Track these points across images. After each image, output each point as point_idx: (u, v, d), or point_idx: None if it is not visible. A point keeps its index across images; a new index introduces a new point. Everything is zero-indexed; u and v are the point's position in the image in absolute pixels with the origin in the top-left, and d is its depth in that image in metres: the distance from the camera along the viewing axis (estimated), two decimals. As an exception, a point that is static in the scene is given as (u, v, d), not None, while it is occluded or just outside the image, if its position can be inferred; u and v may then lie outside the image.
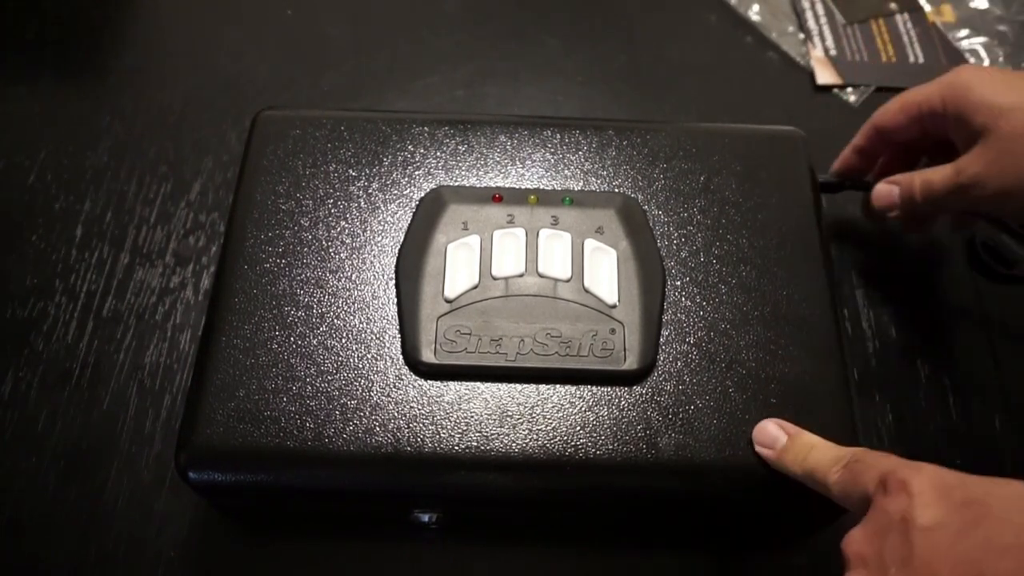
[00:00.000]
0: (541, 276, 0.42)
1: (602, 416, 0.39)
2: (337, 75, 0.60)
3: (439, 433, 0.38)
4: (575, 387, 0.39)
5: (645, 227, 0.44)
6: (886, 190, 0.47)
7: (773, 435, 0.38)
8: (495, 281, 0.41)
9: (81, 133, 0.56)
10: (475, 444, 0.38)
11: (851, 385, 0.41)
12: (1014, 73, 0.44)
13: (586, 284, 0.41)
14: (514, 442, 0.38)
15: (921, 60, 0.62)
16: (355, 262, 0.42)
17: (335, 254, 0.43)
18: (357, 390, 0.39)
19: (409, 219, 0.44)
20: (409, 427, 0.38)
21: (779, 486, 0.38)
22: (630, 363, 0.40)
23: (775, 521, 0.43)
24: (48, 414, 0.46)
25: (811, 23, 0.64)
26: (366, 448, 0.38)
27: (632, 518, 0.43)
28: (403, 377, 0.39)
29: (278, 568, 0.43)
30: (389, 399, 0.39)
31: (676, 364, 0.40)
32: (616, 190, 0.45)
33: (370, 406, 0.39)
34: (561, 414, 0.39)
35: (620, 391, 0.39)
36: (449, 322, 0.40)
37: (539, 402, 0.39)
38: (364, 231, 0.43)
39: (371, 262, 0.42)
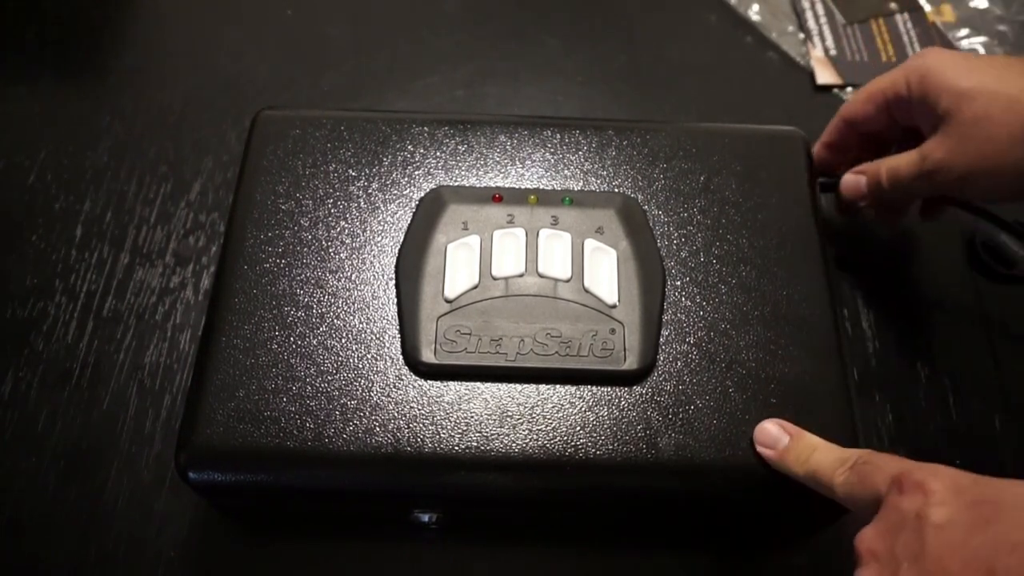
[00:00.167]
0: (541, 276, 0.42)
1: (602, 416, 0.39)
2: (337, 75, 0.60)
3: (439, 433, 0.38)
4: (575, 387, 0.39)
5: (645, 227, 0.44)
6: (853, 180, 0.47)
7: (775, 435, 0.38)
8: (495, 281, 0.41)
9: (81, 133, 0.56)
10: (475, 444, 0.38)
11: (851, 385, 0.41)
12: (978, 56, 0.44)
13: (586, 284, 0.41)
14: (514, 442, 0.38)
15: (921, 60, 0.62)
16: (355, 262, 0.42)
17: (335, 254, 0.43)
18: (357, 390, 0.39)
19: (409, 219, 0.44)
20: (409, 427, 0.38)
21: (779, 486, 0.38)
22: (630, 363, 0.40)
23: (775, 521, 0.43)
24: (48, 414, 0.46)
25: (811, 23, 0.64)
26: (366, 448, 0.38)
27: (632, 518, 0.43)
28: (403, 377, 0.39)
29: (278, 568, 0.43)
30: (389, 399, 0.39)
31: (676, 364, 0.40)
32: (616, 190, 0.45)
33: (370, 406, 0.39)
34: (561, 414, 0.39)
35: (620, 391, 0.39)
36: (449, 322, 0.40)
37: (539, 402, 0.39)
38: (364, 231, 0.43)
39: (371, 262, 0.42)
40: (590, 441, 0.38)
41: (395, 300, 0.41)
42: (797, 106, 0.60)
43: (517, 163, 0.46)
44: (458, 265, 0.42)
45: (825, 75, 0.61)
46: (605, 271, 0.42)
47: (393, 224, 0.44)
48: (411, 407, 0.39)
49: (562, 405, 0.39)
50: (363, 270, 0.42)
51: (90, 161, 0.55)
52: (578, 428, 0.38)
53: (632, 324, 0.40)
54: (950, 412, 0.48)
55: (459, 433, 0.38)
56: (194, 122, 0.57)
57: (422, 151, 0.46)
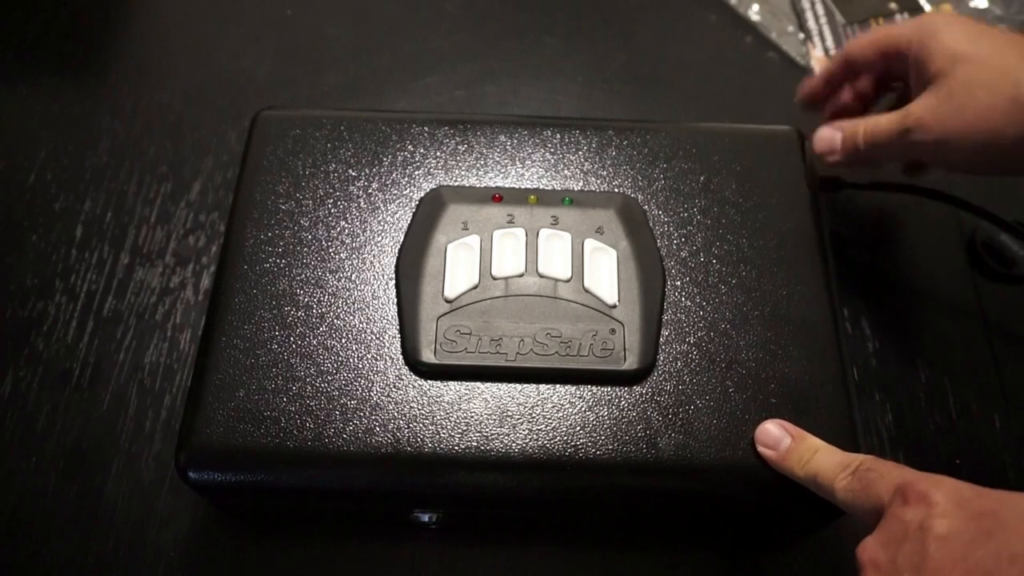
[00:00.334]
0: (541, 276, 0.42)
1: (602, 416, 0.39)
2: (337, 75, 0.60)
3: (439, 433, 0.38)
4: (575, 387, 0.39)
5: (645, 227, 0.44)
6: (828, 135, 0.47)
7: (776, 436, 0.38)
8: (495, 281, 0.41)
9: (81, 133, 0.56)
10: (475, 444, 0.38)
11: (851, 385, 0.41)
12: (985, 26, 0.44)
13: (586, 284, 0.41)
14: (514, 442, 0.38)
15: (921, 60, 0.62)
16: (355, 262, 0.42)
17: (335, 254, 0.43)
18: (357, 390, 0.39)
19: (409, 219, 0.44)
20: (409, 427, 0.38)
21: (779, 487, 0.38)
22: (630, 363, 0.40)
23: (775, 521, 0.43)
24: (48, 414, 0.46)
25: (811, 23, 0.64)
26: (366, 448, 0.38)
27: (632, 518, 0.43)
28: (403, 377, 0.39)
29: (278, 568, 0.43)
30: (389, 399, 0.39)
31: (676, 364, 0.40)
32: (616, 190, 0.45)
33: (370, 406, 0.39)
34: (561, 414, 0.39)
35: (620, 391, 0.39)
36: (449, 322, 0.40)
37: (539, 402, 0.39)
38: (364, 231, 0.43)
39: (371, 262, 0.43)
40: (590, 441, 0.38)
41: (395, 300, 0.41)
42: (797, 106, 0.60)
43: (517, 163, 0.46)
44: (458, 265, 0.42)
45: (825, 75, 0.61)
46: (605, 271, 0.42)
47: (393, 224, 0.44)
48: (411, 407, 0.39)
49: (562, 405, 0.39)
50: (363, 270, 0.42)
51: (90, 161, 0.55)
52: (578, 428, 0.38)
53: (632, 324, 0.40)
54: (950, 412, 0.48)
55: (459, 433, 0.38)
56: (194, 122, 0.57)
57: (422, 151, 0.46)
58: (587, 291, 0.41)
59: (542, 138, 0.47)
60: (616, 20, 0.64)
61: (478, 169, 0.46)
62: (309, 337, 0.40)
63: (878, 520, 0.32)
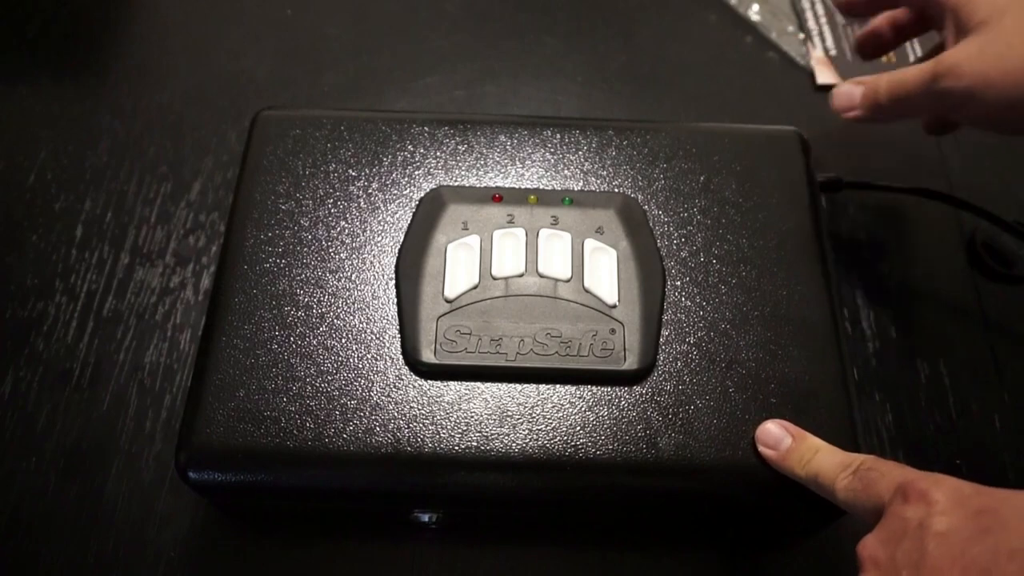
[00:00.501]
0: (541, 276, 0.42)
1: (602, 416, 0.39)
2: (337, 75, 0.60)
3: (439, 433, 0.38)
4: (575, 387, 0.39)
5: (645, 227, 0.44)
6: (847, 91, 0.47)
7: (777, 436, 0.38)
8: (495, 281, 0.41)
9: (81, 133, 0.56)
10: (475, 444, 0.38)
11: (851, 385, 0.41)
12: None
13: (586, 284, 0.41)
14: (514, 442, 0.38)
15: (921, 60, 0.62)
16: (355, 262, 0.42)
17: (335, 254, 0.43)
18: (357, 390, 0.39)
19: (409, 219, 0.44)
20: (409, 427, 0.38)
21: (779, 486, 0.38)
22: (630, 363, 0.40)
23: (775, 521, 0.43)
24: (48, 414, 0.46)
25: (811, 23, 0.64)
26: (366, 448, 0.38)
27: (632, 518, 0.43)
28: (403, 377, 0.39)
29: (278, 568, 0.43)
30: (389, 399, 0.39)
31: (676, 364, 0.40)
32: (616, 190, 0.45)
33: (370, 406, 0.39)
34: (561, 414, 0.39)
35: (620, 391, 0.39)
36: (449, 322, 0.40)
37: (539, 402, 0.39)
38: (364, 231, 0.43)
39: (371, 262, 0.43)
40: (590, 441, 0.38)
41: (395, 300, 0.41)
42: (797, 106, 0.60)
43: (517, 163, 0.46)
44: (458, 265, 0.42)
45: (825, 75, 0.61)
46: (605, 271, 0.42)
47: (393, 224, 0.44)
48: (411, 407, 0.39)
49: (562, 405, 0.39)
50: (363, 270, 0.42)
51: (90, 161, 0.55)
52: (578, 428, 0.38)
53: (632, 324, 0.40)
54: (950, 412, 0.48)
55: (459, 433, 0.38)
56: (194, 122, 0.57)
57: (422, 151, 0.46)
58: (587, 291, 0.41)
59: (542, 138, 0.47)
60: (616, 20, 0.64)
61: (478, 169, 0.46)
62: (309, 337, 0.40)
63: (878, 519, 0.32)
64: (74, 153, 0.55)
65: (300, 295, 0.41)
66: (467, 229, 0.43)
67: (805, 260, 0.43)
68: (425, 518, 0.41)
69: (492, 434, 0.38)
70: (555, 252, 0.42)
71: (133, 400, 0.47)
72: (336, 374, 0.39)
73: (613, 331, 0.40)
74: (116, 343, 0.48)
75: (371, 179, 0.45)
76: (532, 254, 0.42)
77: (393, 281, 0.42)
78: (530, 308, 0.41)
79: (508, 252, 0.42)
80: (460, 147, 0.46)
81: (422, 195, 0.44)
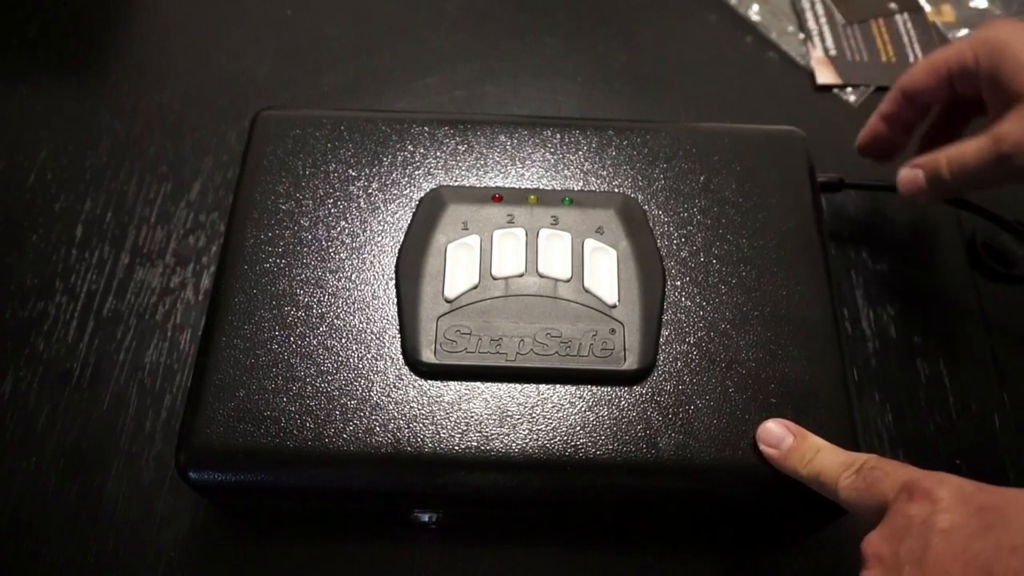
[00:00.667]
0: (541, 276, 0.42)
1: (602, 416, 0.39)
2: (337, 75, 0.60)
3: (439, 433, 0.38)
4: (575, 387, 0.39)
5: (645, 227, 0.44)
6: (910, 176, 0.45)
7: (779, 435, 0.38)
8: (495, 281, 0.41)
9: (81, 133, 0.56)
10: (475, 444, 0.38)
11: (851, 385, 0.41)
12: None
13: (586, 284, 0.41)
14: (514, 442, 0.38)
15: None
16: (355, 262, 0.42)
17: (335, 254, 0.43)
18: (357, 390, 0.39)
19: (409, 219, 0.44)
20: (409, 427, 0.38)
21: (779, 486, 0.38)
22: (630, 363, 0.40)
23: (775, 521, 0.43)
24: (48, 414, 0.46)
25: (811, 23, 0.64)
26: (366, 448, 0.38)
27: (632, 518, 0.43)
28: (403, 377, 0.39)
29: (278, 568, 0.43)
30: (389, 399, 0.39)
31: (676, 364, 0.40)
32: (616, 190, 0.45)
33: (370, 406, 0.39)
34: (561, 414, 0.39)
35: (620, 391, 0.39)
36: (449, 322, 0.40)
37: (539, 402, 0.39)
38: (364, 231, 0.43)
39: (371, 262, 0.43)
40: (590, 441, 0.38)
41: (395, 300, 0.41)
42: (797, 106, 0.60)
43: (517, 163, 0.46)
44: (458, 265, 0.42)
45: (825, 75, 0.61)
46: (605, 271, 0.42)
47: (393, 224, 0.44)
48: (411, 407, 0.39)
49: (562, 405, 0.39)
50: (363, 270, 0.42)
51: (90, 161, 0.55)
52: (578, 428, 0.38)
53: (632, 324, 0.40)
54: (950, 412, 0.48)
55: (459, 433, 0.38)
56: (194, 122, 0.57)
57: (422, 151, 0.46)
58: (587, 291, 0.41)
59: (542, 138, 0.47)
60: (616, 20, 0.64)
61: (478, 169, 0.46)
62: (309, 337, 0.40)
63: (880, 518, 0.32)
64: (74, 153, 0.55)
65: (300, 295, 0.41)
66: (467, 229, 0.43)
67: (805, 260, 0.43)
68: (425, 518, 0.41)
69: (492, 434, 0.38)
70: (555, 252, 0.42)
71: (133, 400, 0.47)
72: (336, 374, 0.39)
73: (613, 331, 0.40)
74: (116, 343, 0.48)
75: (371, 179, 0.45)
76: (532, 254, 0.42)
77: (393, 281, 0.42)
78: (530, 308, 0.41)
79: (508, 252, 0.42)
80: (460, 147, 0.46)
81: (422, 195, 0.44)
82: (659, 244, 0.43)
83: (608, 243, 0.43)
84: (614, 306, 0.41)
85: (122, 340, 0.48)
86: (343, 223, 0.44)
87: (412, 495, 0.39)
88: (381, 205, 0.44)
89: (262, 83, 0.59)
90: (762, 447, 0.38)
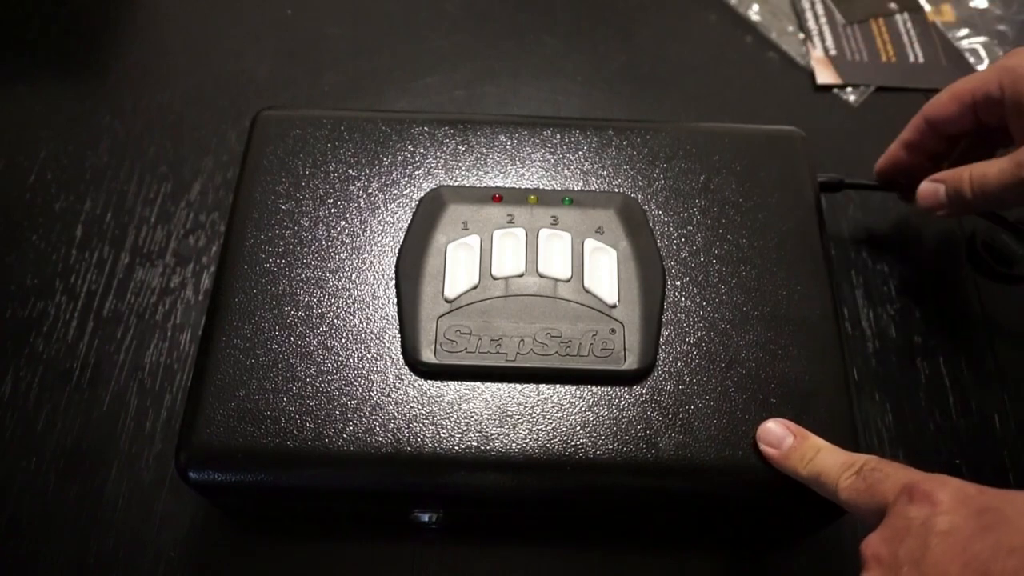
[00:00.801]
0: (541, 276, 0.42)
1: (602, 416, 0.39)
2: (337, 75, 0.60)
3: (439, 433, 0.38)
4: (575, 387, 0.39)
5: (645, 227, 0.44)
6: (931, 189, 0.45)
7: (779, 435, 0.38)
8: (495, 281, 0.41)
9: (81, 133, 0.56)
10: (475, 444, 0.38)
11: (851, 385, 0.41)
12: None
13: (586, 284, 0.41)
14: (514, 442, 0.38)
15: (921, 60, 0.62)
16: (355, 262, 0.42)
17: (335, 254, 0.43)
18: (357, 390, 0.39)
19: (409, 219, 0.44)
20: (409, 427, 0.38)
21: (779, 486, 0.38)
22: (630, 363, 0.40)
23: (775, 521, 0.43)
24: (48, 414, 0.46)
25: (811, 23, 0.64)
26: (366, 448, 0.38)
27: (632, 518, 0.43)
28: (403, 377, 0.39)
29: (278, 568, 0.43)
30: (389, 399, 0.39)
31: (676, 364, 0.40)
32: (616, 190, 0.45)
33: (370, 406, 0.39)
34: (561, 414, 0.39)
35: (620, 391, 0.39)
36: (449, 322, 0.40)
37: (539, 402, 0.39)
38: (364, 231, 0.43)
39: (371, 262, 0.43)
40: (590, 441, 0.38)
41: (395, 300, 0.41)
42: (797, 106, 0.60)
43: (517, 163, 0.46)
44: (458, 265, 0.42)
45: (825, 75, 0.61)
46: (605, 271, 0.42)
47: (393, 224, 0.44)
48: (411, 407, 0.39)
49: (562, 405, 0.39)
50: (363, 270, 0.42)
51: (90, 161, 0.55)
52: (578, 428, 0.38)
53: (632, 324, 0.40)
54: (950, 412, 0.48)
55: (459, 433, 0.38)
56: (194, 122, 0.57)
57: (422, 151, 0.46)
58: (587, 291, 0.41)
59: (542, 138, 0.47)
60: (616, 20, 0.64)
61: (478, 169, 0.46)
62: (309, 337, 0.40)
63: (880, 519, 0.32)
64: (74, 153, 0.55)
65: (300, 295, 0.41)
66: (467, 229, 0.43)
67: (805, 260, 0.43)
68: (425, 518, 0.41)
69: (492, 434, 0.38)
70: (555, 252, 0.42)
71: (133, 400, 0.47)
72: (336, 374, 0.39)
73: (613, 331, 0.40)
74: (116, 343, 0.48)
75: (371, 179, 0.45)
76: (532, 254, 0.42)
77: (393, 281, 0.42)
78: (530, 308, 0.41)
79: (508, 252, 0.42)
80: (460, 147, 0.46)
81: (422, 195, 0.44)
82: (659, 244, 0.43)
83: (608, 243, 0.43)
84: (614, 306, 0.41)
85: (122, 340, 0.48)
86: (343, 223, 0.44)
87: (412, 495, 0.39)
88: (381, 205, 0.44)
89: (262, 83, 0.59)
90: (762, 447, 0.38)
